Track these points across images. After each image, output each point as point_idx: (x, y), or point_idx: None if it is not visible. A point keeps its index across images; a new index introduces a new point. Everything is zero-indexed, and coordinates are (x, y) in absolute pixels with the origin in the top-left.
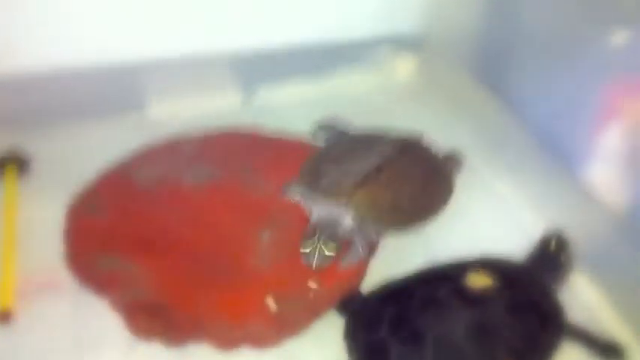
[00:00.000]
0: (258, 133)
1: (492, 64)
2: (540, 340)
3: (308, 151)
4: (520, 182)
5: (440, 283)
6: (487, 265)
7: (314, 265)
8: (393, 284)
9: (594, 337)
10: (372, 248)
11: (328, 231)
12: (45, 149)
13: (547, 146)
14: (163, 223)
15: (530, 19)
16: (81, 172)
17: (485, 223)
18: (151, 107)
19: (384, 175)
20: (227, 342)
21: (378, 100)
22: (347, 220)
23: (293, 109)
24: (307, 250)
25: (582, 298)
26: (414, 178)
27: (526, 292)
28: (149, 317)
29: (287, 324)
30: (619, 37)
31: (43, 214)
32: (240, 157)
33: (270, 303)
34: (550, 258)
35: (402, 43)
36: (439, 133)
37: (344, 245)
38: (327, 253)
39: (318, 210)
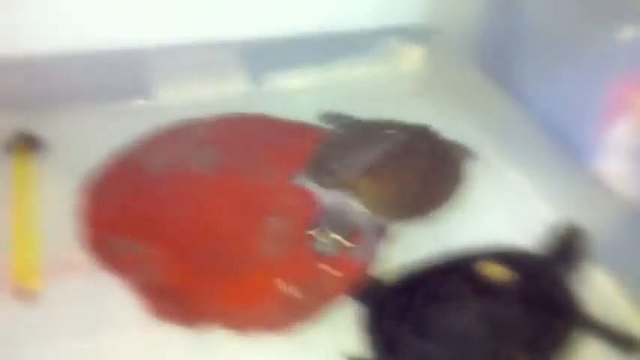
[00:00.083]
0: (267, 119)
1: (500, 55)
2: (552, 331)
3: (315, 138)
4: (530, 173)
5: (454, 274)
6: (502, 255)
7: (320, 253)
8: (406, 273)
9: (611, 329)
10: (383, 234)
11: (335, 220)
12: (56, 131)
13: (556, 138)
14: (174, 206)
15: (538, 10)
16: (92, 154)
17: (496, 214)
18: (159, 92)
19: (390, 164)
20: (240, 325)
21: (384, 90)
22: (353, 208)
23: (299, 97)
24: (314, 238)
25: (598, 290)
26: (421, 167)
27: (539, 282)
28: (164, 299)
29: (299, 308)
30: (628, 31)
31: (56, 195)
32: (249, 142)
33: (284, 288)
34: (564, 248)
35: (409, 34)
36: (445, 125)
37: (351, 234)
38: (333, 240)
39: (325, 198)
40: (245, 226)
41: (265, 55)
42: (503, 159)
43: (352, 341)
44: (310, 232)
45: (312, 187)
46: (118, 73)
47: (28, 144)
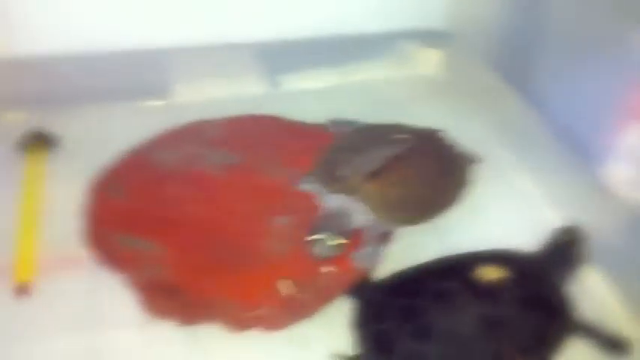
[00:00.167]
0: (279, 120)
1: (517, 60)
2: (548, 335)
3: (328, 141)
4: (539, 177)
5: (451, 275)
6: (498, 257)
7: (320, 255)
8: (404, 274)
9: (600, 330)
10: (386, 237)
11: (337, 223)
12: (71, 130)
13: (567, 143)
14: (182, 205)
15: (555, 17)
16: (104, 152)
17: (502, 217)
18: (175, 92)
19: (395, 168)
20: (238, 323)
21: (400, 93)
22: (357, 212)
23: (315, 99)
24: (315, 240)
25: (594, 292)
26: (427, 172)
27: (536, 285)
28: (164, 296)
29: (298, 308)
30: None
31: (66, 192)
32: (261, 143)
33: (283, 287)
34: (563, 250)
35: (427, 38)
36: (461, 128)
37: (354, 237)
38: (334, 244)
39: (329, 201)
40: (251, 226)
41: (281, 57)
42: (514, 162)
43: (350, 341)
44: (311, 237)
45: (317, 190)
46: (135, 73)
47: (42, 142)
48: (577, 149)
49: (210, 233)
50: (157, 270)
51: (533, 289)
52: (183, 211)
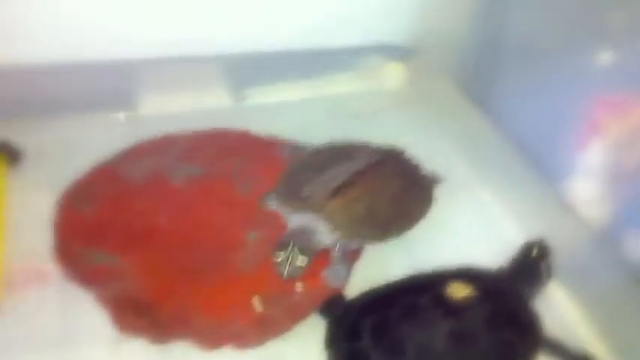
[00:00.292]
0: (247, 134)
1: (479, 76)
2: (517, 351)
3: (296, 154)
4: (502, 194)
5: (421, 292)
6: (467, 274)
7: (285, 275)
8: (375, 292)
9: (567, 348)
10: (354, 254)
11: (302, 241)
12: (36, 142)
13: (530, 159)
14: (152, 219)
15: (515, 33)
16: (71, 165)
17: (467, 233)
18: (142, 105)
19: (359, 185)
20: (210, 340)
21: (365, 106)
22: (321, 230)
23: (282, 112)
24: (279, 260)
25: (557, 309)
26: (391, 189)
27: (505, 302)
28: (134, 313)
29: (271, 325)
30: (604, 56)
31: (32, 206)
32: (231, 156)
33: (256, 304)
34: (530, 266)
35: (391, 52)
36: (423, 142)
37: (320, 255)
38: (298, 263)
39: (294, 219)
40: (220, 240)
41: (248, 70)
42: (477, 179)
43: (322, 356)
44: (275, 256)
45: (281, 209)
46: (102, 85)
47: (7, 154)
48: (538, 164)
49: (179, 248)
50: (126, 285)
51: (502, 305)
52: (151, 224)
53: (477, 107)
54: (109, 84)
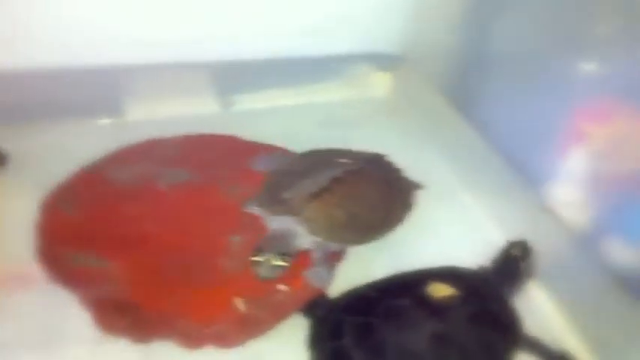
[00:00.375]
0: (233, 140)
1: (465, 85)
2: (499, 351)
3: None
4: (485, 198)
5: (403, 292)
6: (449, 274)
7: (262, 277)
8: (357, 292)
9: (547, 347)
10: (337, 255)
11: (280, 244)
12: (23, 146)
13: (514, 165)
14: (136, 222)
15: (502, 43)
16: (57, 169)
17: (450, 236)
18: (129, 111)
19: (338, 189)
20: (193, 340)
21: (352, 114)
22: (300, 233)
23: (268, 119)
24: (258, 261)
25: (537, 309)
26: (371, 194)
27: (486, 301)
28: (118, 314)
29: (253, 325)
30: (587, 66)
31: (17, 209)
32: (217, 161)
33: (238, 304)
34: (511, 265)
35: (379, 61)
36: (410, 149)
37: (300, 258)
38: (277, 264)
39: (274, 223)
40: (204, 244)
41: (236, 77)
42: (460, 183)
43: (304, 358)
44: (254, 258)
45: (262, 213)
46: (88, 91)
47: None
48: (521, 170)
49: (164, 250)
50: (109, 287)
51: (483, 305)
52: (136, 228)
53: (463, 115)
54: (95, 89)
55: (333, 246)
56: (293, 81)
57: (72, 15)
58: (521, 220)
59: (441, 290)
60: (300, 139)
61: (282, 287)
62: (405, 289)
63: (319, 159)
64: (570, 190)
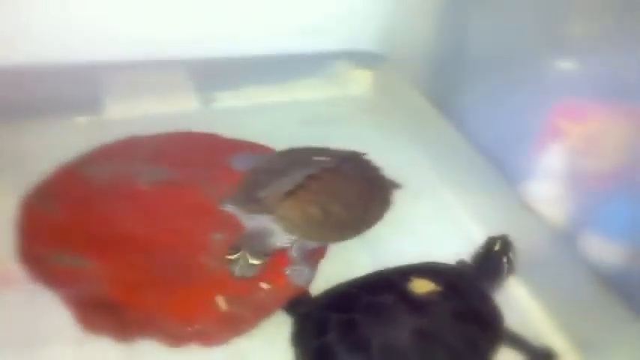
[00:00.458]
0: (214, 138)
1: (444, 83)
2: (481, 346)
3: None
4: (465, 196)
5: (385, 289)
6: (430, 270)
7: (236, 274)
8: (339, 289)
9: (529, 342)
10: (317, 253)
11: (256, 242)
12: (2, 145)
13: (493, 163)
14: (117, 220)
15: (482, 42)
16: (36, 168)
17: (430, 233)
18: (108, 108)
19: (313, 187)
20: (176, 339)
21: (332, 111)
22: (275, 231)
23: (249, 117)
24: (232, 259)
25: (519, 305)
26: (347, 192)
27: (468, 297)
28: (100, 313)
29: (236, 323)
30: (564, 65)
31: None
32: (197, 159)
33: (221, 302)
34: (493, 260)
35: (359, 59)
36: (389, 147)
37: (277, 256)
38: (252, 262)
39: (250, 222)
40: (186, 242)
41: (216, 75)
42: (440, 181)
43: (288, 356)
44: (229, 257)
45: (237, 212)
46: (67, 89)
47: None
48: (501, 168)
49: (145, 249)
50: (91, 287)
51: (465, 300)
52: (117, 226)
53: (443, 113)
54: (74, 87)
55: (310, 244)
56: (274, 78)
57: (47, 13)
58: (500, 217)
59: (423, 286)
60: (281, 136)
61: (264, 285)
62: (386, 285)
63: (297, 157)
64: (548, 186)
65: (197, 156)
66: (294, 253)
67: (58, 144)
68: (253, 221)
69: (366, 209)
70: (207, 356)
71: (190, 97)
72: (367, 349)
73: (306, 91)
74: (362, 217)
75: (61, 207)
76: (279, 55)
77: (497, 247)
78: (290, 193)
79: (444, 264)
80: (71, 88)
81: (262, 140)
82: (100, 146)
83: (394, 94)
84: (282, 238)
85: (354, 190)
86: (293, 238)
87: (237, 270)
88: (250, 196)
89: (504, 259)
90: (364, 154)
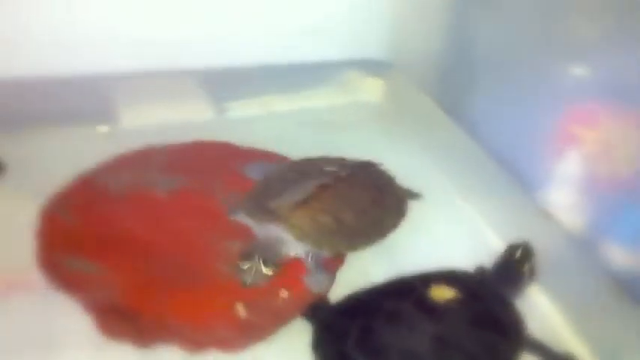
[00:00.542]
0: (228, 146)
1: (456, 89)
2: (501, 353)
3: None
4: (481, 203)
5: (404, 296)
6: (449, 277)
7: (248, 283)
8: (359, 296)
9: (550, 349)
10: (338, 260)
11: (267, 251)
12: (21, 154)
13: (507, 169)
14: (134, 228)
15: (490, 46)
16: (54, 177)
17: (448, 240)
18: (123, 118)
19: (324, 195)
20: (195, 345)
21: (344, 120)
22: (287, 240)
23: (261, 125)
24: (244, 268)
25: (539, 310)
26: (360, 199)
27: (488, 304)
28: (119, 319)
29: (255, 329)
30: (576, 68)
31: (16, 216)
32: (212, 168)
33: (240, 309)
34: (513, 268)
35: (369, 67)
36: (401, 155)
37: (291, 265)
38: (264, 271)
39: (261, 231)
40: (202, 249)
41: (229, 84)
42: (455, 188)
43: None
44: (241, 264)
45: (247, 221)
46: (83, 99)
47: None
48: (515, 174)
49: (163, 256)
50: (110, 293)
51: (485, 307)
52: (133, 234)
53: (454, 120)
54: (91, 98)
55: (323, 252)
56: (285, 87)
57: (67, 23)
58: (517, 223)
59: (442, 293)
60: (293, 144)
61: (283, 292)
62: (405, 292)
63: (309, 166)
64: (564, 192)
65: (211, 165)
66: (308, 262)
67: (76, 153)
68: (264, 230)
69: (379, 218)
70: None
71: (204, 107)
72: (387, 355)
73: (318, 100)
74: (375, 226)
75: (79, 215)
76: (291, 65)
77: (518, 255)
78: (302, 202)
79: (464, 271)
80: (89, 97)
81: (275, 148)
82: (116, 156)
83: (404, 100)
84: (294, 247)
85: (367, 199)
86: (305, 246)
87: (247, 279)
88: (260, 205)
89: (526, 267)
90: (378, 164)
